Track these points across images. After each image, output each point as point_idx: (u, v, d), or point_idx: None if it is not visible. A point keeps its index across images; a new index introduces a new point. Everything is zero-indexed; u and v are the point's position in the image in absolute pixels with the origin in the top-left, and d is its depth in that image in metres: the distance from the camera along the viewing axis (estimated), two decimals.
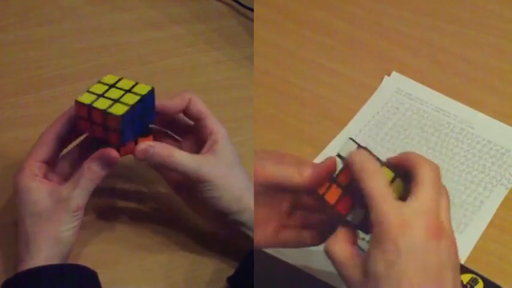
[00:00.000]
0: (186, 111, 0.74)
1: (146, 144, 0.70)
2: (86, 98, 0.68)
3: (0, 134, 0.83)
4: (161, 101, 0.72)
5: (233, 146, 0.73)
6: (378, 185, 0.60)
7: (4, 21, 0.96)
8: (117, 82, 0.71)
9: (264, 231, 0.66)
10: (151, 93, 0.70)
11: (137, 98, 0.69)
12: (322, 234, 0.66)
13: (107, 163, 0.69)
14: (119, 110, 0.68)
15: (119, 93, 0.70)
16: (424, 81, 0.92)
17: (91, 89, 0.70)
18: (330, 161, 0.64)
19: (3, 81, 0.89)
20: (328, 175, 0.64)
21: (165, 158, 0.70)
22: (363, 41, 0.98)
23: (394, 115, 0.89)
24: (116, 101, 0.69)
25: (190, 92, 0.74)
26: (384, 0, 1.02)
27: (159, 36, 0.97)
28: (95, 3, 1.00)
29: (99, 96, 0.69)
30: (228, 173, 0.71)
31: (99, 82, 0.71)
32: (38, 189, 0.69)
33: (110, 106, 0.68)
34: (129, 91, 0.70)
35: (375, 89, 0.92)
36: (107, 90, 0.70)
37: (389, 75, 0.93)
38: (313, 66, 0.95)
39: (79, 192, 0.68)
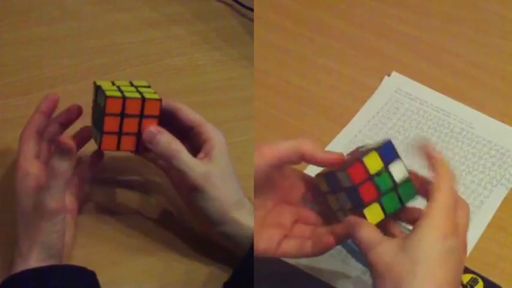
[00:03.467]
0: (177, 121, 0.73)
1: (156, 129, 0.70)
2: (114, 93, 0.69)
3: (0, 134, 0.83)
4: None
5: (228, 154, 0.72)
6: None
7: (4, 21, 0.95)
8: (114, 83, 0.72)
9: (267, 241, 0.66)
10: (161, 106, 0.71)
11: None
12: (325, 246, 0.66)
13: (64, 153, 0.68)
14: (155, 95, 0.70)
15: (132, 88, 0.71)
16: (424, 81, 0.92)
17: (105, 87, 0.70)
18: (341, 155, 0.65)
19: (3, 81, 0.89)
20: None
21: (171, 151, 0.70)
22: (363, 41, 0.98)
23: (394, 115, 0.89)
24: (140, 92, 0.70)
25: (177, 102, 0.74)
26: (384, 0, 1.02)
27: (159, 36, 0.97)
28: (95, 3, 1.00)
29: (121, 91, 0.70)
30: (220, 184, 0.71)
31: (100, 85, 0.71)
32: (27, 192, 0.69)
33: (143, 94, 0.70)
34: (133, 86, 0.72)
35: (375, 89, 0.92)
36: (119, 88, 0.70)
37: (389, 75, 0.93)
38: (313, 66, 0.95)
39: (50, 195, 0.67)
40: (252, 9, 1.00)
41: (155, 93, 0.71)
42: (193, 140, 0.73)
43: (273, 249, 0.66)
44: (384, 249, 0.60)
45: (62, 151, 0.68)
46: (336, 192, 0.65)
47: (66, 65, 0.91)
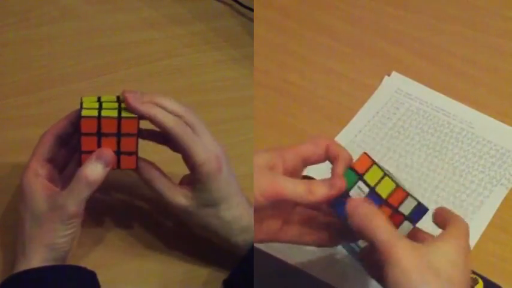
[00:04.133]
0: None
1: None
2: (90, 112, 0.68)
3: (0, 134, 0.83)
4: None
5: (221, 179, 0.70)
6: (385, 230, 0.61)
7: (4, 21, 0.95)
8: (99, 99, 0.71)
9: (267, 227, 0.66)
10: (139, 124, 0.70)
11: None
12: (324, 238, 0.66)
13: (101, 163, 0.68)
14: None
15: (115, 104, 0.70)
16: (424, 81, 0.92)
17: (85, 106, 0.69)
18: (341, 182, 0.64)
19: (3, 81, 0.89)
20: (340, 193, 0.64)
21: (144, 180, 0.71)
22: (363, 41, 0.98)
23: (394, 115, 0.89)
24: (120, 109, 0.69)
25: (176, 121, 0.70)
26: (384, 0, 1.02)
27: (159, 36, 0.97)
28: (95, 3, 1.00)
29: (100, 109, 0.69)
30: (200, 213, 0.70)
31: (84, 103, 0.70)
32: (38, 192, 0.68)
33: (120, 113, 0.68)
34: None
35: (375, 89, 0.92)
36: (101, 105, 0.70)
37: (389, 75, 0.93)
38: (313, 66, 0.95)
39: (73, 200, 0.67)
40: (252, 9, 1.00)
41: None
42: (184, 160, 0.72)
43: (272, 234, 0.66)
44: (404, 253, 0.59)
45: (100, 160, 0.68)
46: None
47: (66, 65, 0.91)
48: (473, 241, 0.77)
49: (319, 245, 0.68)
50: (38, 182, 0.69)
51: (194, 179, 0.70)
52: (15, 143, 0.82)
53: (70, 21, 0.97)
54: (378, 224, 0.61)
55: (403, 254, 0.59)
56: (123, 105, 0.70)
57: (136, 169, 0.70)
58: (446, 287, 0.58)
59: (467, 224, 0.63)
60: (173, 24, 0.99)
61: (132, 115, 0.69)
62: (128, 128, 0.69)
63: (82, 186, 0.67)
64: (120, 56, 0.93)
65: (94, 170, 0.68)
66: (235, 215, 0.71)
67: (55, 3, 0.98)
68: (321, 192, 0.63)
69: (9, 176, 0.78)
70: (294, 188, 0.63)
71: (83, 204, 0.68)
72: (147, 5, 1.01)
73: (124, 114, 0.69)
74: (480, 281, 0.74)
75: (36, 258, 0.67)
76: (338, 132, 0.87)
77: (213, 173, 0.69)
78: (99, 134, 0.68)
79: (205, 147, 0.69)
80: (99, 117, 0.68)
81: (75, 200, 0.67)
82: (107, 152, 0.68)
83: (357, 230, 0.62)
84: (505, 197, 0.81)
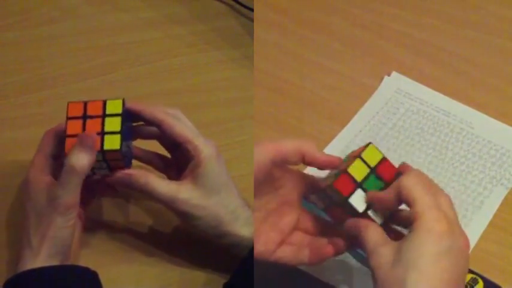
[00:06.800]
0: (164, 135, 0.72)
1: (122, 173, 0.70)
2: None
3: (0, 134, 0.83)
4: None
5: (220, 165, 0.71)
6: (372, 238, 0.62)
7: (4, 21, 0.95)
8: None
9: (264, 244, 0.66)
10: (124, 105, 0.71)
11: (118, 119, 0.70)
12: (323, 256, 0.66)
13: (84, 148, 0.67)
14: (114, 144, 0.69)
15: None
16: (424, 81, 0.92)
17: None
18: (336, 158, 0.66)
19: (3, 81, 0.89)
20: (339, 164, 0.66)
21: (141, 187, 0.70)
22: (363, 41, 0.98)
23: (394, 115, 0.89)
24: (103, 134, 0.69)
25: (168, 113, 0.72)
26: (384, 0, 1.02)
27: (159, 36, 0.97)
28: (95, 3, 1.00)
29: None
30: (205, 202, 0.70)
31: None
32: (40, 187, 0.68)
33: (102, 143, 0.69)
34: (105, 115, 0.70)
35: (375, 89, 0.92)
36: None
37: (389, 75, 0.93)
38: (313, 66, 0.95)
39: (65, 190, 0.67)
40: (252, 9, 1.00)
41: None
42: (182, 154, 0.72)
43: (269, 253, 0.66)
44: (384, 252, 0.60)
45: (83, 146, 0.68)
46: (331, 207, 0.67)
47: (66, 65, 0.91)
48: (473, 241, 0.77)
49: (313, 265, 0.68)
50: (43, 178, 0.69)
51: (194, 165, 0.70)
52: (15, 143, 0.82)
53: (70, 21, 0.97)
54: (369, 231, 0.62)
55: (383, 257, 0.60)
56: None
57: (120, 150, 0.69)
58: (418, 277, 0.58)
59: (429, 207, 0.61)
60: (173, 24, 0.99)
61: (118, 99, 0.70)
62: (113, 108, 0.69)
63: (70, 176, 0.67)
64: (120, 56, 0.93)
65: (79, 158, 0.67)
66: (239, 203, 0.71)
67: (55, 3, 0.98)
68: (311, 150, 0.65)
69: (10, 175, 0.78)
70: (290, 143, 0.65)
71: (77, 193, 0.68)
72: (147, 5, 1.01)
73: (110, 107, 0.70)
74: (480, 281, 0.74)
75: (43, 252, 0.67)
76: (338, 132, 0.87)
77: (213, 154, 0.70)
78: (85, 117, 0.69)
79: (201, 137, 0.71)
80: (86, 101, 0.69)
81: (67, 190, 0.67)
82: (89, 135, 0.68)
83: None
84: (505, 197, 0.81)
